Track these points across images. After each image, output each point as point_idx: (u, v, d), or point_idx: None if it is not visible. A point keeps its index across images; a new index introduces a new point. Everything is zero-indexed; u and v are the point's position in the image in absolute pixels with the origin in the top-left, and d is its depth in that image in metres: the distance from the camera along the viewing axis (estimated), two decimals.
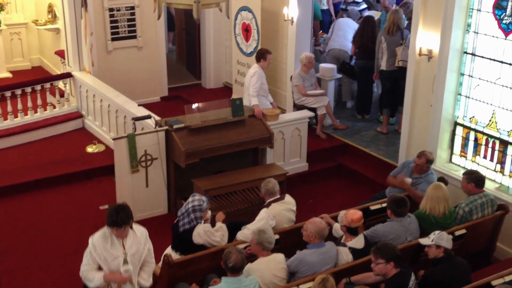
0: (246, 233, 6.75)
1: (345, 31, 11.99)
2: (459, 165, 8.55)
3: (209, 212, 6.89)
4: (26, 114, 11.07)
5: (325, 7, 14.83)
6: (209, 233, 6.62)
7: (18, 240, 8.33)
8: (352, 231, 6.42)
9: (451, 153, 8.66)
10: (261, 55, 9.87)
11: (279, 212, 6.99)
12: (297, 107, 10.64)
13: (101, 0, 11.68)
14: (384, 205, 7.21)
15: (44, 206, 9.19)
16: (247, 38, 11.48)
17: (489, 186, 7.78)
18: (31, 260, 7.93)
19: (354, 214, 6.40)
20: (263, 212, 6.92)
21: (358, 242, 6.40)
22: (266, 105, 9.89)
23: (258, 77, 9.71)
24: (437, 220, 6.92)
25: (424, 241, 6.29)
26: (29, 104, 11.04)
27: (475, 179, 7.26)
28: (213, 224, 6.88)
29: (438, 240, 6.15)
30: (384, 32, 10.45)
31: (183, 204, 6.88)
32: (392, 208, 6.74)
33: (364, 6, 14.25)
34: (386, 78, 10.56)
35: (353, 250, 6.35)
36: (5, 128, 10.80)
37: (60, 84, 11.84)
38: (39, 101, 11.19)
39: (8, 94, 10.79)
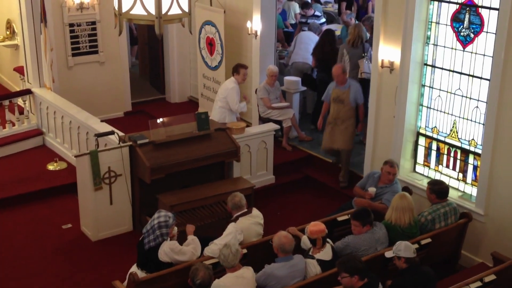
0: (213, 248, 6.69)
1: (307, 44, 12.13)
2: (422, 175, 8.66)
3: (175, 228, 6.80)
4: None
5: (293, 22, 14.95)
6: (174, 252, 6.53)
7: None
8: (312, 242, 6.43)
9: (415, 162, 8.78)
10: (235, 69, 10.08)
11: (247, 226, 6.95)
12: (263, 120, 10.67)
13: (61, 15, 11.61)
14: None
15: (4, 225, 8.97)
16: (211, 52, 11.46)
17: (452, 194, 7.87)
18: None
19: (314, 226, 6.42)
20: (231, 227, 6.87)
21: (326, 254, 6.41)
22: (234, 120, 10.04)
23: (236, 93, 9.98)
24: (403, 230, 6.98)
25: (387, 254, 6.37)
26: None
27: (438, 191, 7.39)
28: (182, 239, 6.80)
29: (397, 251, 6.22)
30: (346, 45, 10.58)
31: (149, 220, 6.78)
32: (360, 221, 6.76)
33: (324, 20, 14.43)
34: None
35: (321, 262, 6.34)
36: None
37: (20, 101, 11.64)
38: None
39: None
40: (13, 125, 11.29)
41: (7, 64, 13.58)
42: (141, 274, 6.48)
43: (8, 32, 13.26)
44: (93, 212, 8.43)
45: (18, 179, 10.09)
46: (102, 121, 10.01)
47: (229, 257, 6.00)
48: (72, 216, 8.91)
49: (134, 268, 6.67)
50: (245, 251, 6.41)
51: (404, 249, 6.18)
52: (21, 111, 11.59)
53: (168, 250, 6.50)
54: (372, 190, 7.91)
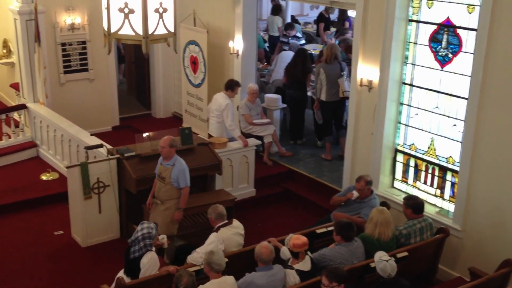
0: (195, 256, 6.58)
1: (287, 63, 12.05)
2: (400, 190, 8.48)
3: (161, 237, 6.68)
4: None
5: (275, 34, 14.93)
6: (153, 267, 6.37)
7: None
8: (294, 255, 6.30)
9: (393, 178, 8.60)
10: (229, 86, 9.99)
11: (228, 236, 6.81)
12: (245, 135, 10.55)
13: (54, 35, 11.51)
14: (330, 228, 7.08)
15: None
16: (195, 70, 11.37)
17: (429, 210, 7.74)
18: None
19: (297, 239, 6.26)
20: (213, 236, 6.73)
21: (305, 264, 6.25)
22: (228, 134, 9.94)
23: (230, 109, 9.86)
24: (381, 243, 6.78)
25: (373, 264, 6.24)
26: None
27: (413, 205, 7.19)
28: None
29: (377, 264, 6.12)
30: (323, 63, 10.44)
31: (135, 228, 6.66)
32: (340, 233, 6.60)
33: (304, 41, 14.41)
34: (326, 108, 10.51)
35: (300, 272, 6.20)
36: None
37: (15, 115, 11.52)
38: None
39: None
40: (9, 137, 11.16)
41: (3, 81, 13.35)
42: (127, 279, 6.35)
43: (4, 51, 13.07)
44: (83, 220, 8.33)
45: (13, 188, 9.94)
46: (91, 134, 9.86)
47: (219, 260, 5.92)
48: (63, 224, 8.79)
49: (121, 274, 6.53)
50: (226, 260, 6.30)
51: (382, 269, 6.07)
52: (17, 125, 11.44)
53: (151, 264, 6.37)
54: (355, 194, 7.66)
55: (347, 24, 15.22)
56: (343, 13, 15.59)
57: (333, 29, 15.44)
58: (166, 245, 6.81)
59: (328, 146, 10.70)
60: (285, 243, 6.40)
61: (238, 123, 10.68)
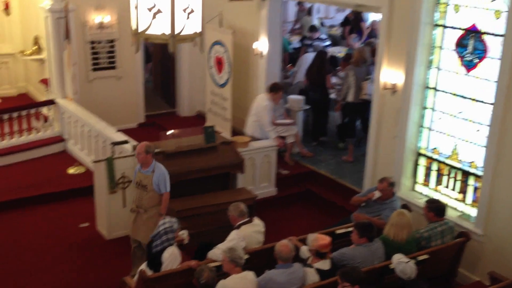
0: (216, 252, 6.58)
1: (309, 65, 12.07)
2: (421, 193, 8.41)
3: (182, 232, 6.70)
4: (12, 137, 10.86)
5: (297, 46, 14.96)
6: (173, 262, 6.40)
7: (1, 255, 8.09)
8: (320, 255, 6.28)
9: (415, 181, 8.52)
10: (273, 88, 10.00)
11: (249, 234, 6.80)
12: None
13: (83, 33, 11.62)
14: (350, 229, 7.05)
15: (26, 223, 8.97)
16: (219, 71, 11.42)
17: (451, 214, 7.66)
18: (14, 274, 7.71)
19: (323, 240, 6.24)
20: (234, 234, 6.74)
21: (324, 263, 6.22)
22: (261, 133, 9.98)
23: (268, 110, 9.89)
24: (399, 245, 6.73)
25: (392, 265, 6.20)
26: (15, 128, 10.88)
27: (435, 209, 7.12)
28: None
29: (396, 266, 6.07)
30: (353, 66, 10.41)
31: (158, 223, 6.71)
32: (360, 233, 6.56)
33: (329, 42, 14.38)
34: (353, 109, 10.49)
35: (319, 271, 6.18)
36: None
37: (44, 110, 11.66)
38: (24, 126, 11.02)
39: None
40: (38, 131, 11.29)
41: (33, 76, 13.55)
42: (149, 272, 6.40)
43: (35, 47, 13.26)
44: (108, 213, 8.41)
45: (40, 181, 10.08)
46: (118, 131, 9.97)
47: (240, 254, 5.95)
48: (88, 216, 8.88)
49: (143, 266, 6.58)
50: (247, 256, 6.32)
51: (401, 271, 6.06)
52: (46, 119, 11.60)
53: (171, 259, 6.40)
54: (376, 194, 7.62)
55: (363, 26, 15.16)
56: (357, 15, 15.52)
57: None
58: (186, 240, 6.83)
59: (351, 147, 10.66)
60: (308, 243, 6.35)
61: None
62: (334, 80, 11.70)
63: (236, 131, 11.31)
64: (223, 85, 11.34)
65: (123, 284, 6.61)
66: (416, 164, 8.47)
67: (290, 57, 14.05)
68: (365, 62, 10.39)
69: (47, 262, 7.99)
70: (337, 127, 11.39)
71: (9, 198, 9.40)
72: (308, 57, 12.39)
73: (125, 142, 8.99)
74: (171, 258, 6.37)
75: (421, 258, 6.70)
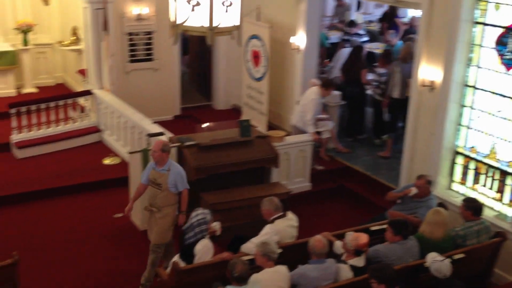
0: (249, 246, 6.62)
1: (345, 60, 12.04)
2: (458, 192, 8.33)
3: (215, 224, 6.75)
4: (49, 127, 11.08)
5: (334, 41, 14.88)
6: (206, 254, 6.46)
7: (37, 243, 8.27)
8: (358, 253, 6.28)
9: (451, 180, 8.44)
10: (326, 83, 10.05)
11: (282, 228, 6.82)
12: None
13: (121, 25, 11.76)
14: (384, 226, 7.02)
15: (62, 213, 9.15)
16: (256, 64, 11.45)
17: (488, 213, 7.56)
18: (49, 261, 7.88)
19: (363, 239, 6.24)
20: (268, 228, 6.77)
21: (359, 260, 6.23)
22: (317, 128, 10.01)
23: (315, 104, 9.88)
24: (434, 244, 6.67)
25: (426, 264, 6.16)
26: (52, 117, 11.09)
27: (473, 208, 7.02)
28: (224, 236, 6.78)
29: (431, 265, 6.04)
30: (399, 62, 10.36)
31: (190, 215, 6.79)
32: (395, 231, 6.53)
33: (366, 38, 14.27)
34: (397, 105, 10.42)
35: (353, 268, 6.18)
36: (30, 139, 10.80)
37: (81, 100, 11.85)
38: (61, 115, 11.22)
39: (33, 107, 10.80)
40: (75, 121, 11.48)
41: (71, 67, 13.78)
42: (182, 264, 6.46)
43: (73, 38, 13.48)
44: (142, 204, 8.38)
45: (76, 170, 10.26)
46: (153, 122, 10.08)
47: (273, 248, 5.97)
48: (122, 207, 8.89)
49: (176, 258, 6.66)
50: (280, 250, 6.35)
51: (436, 269, 6.02)
52: (82, 110, 11.79)
53: (204, 251, 6.47)
54: (413, 190, 7.57)
55: (398, 22, 15.01)
56: (393, 10, 15.36)
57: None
58: (218, 232, 6.87)
59: (390, 142, 10.59)
60: (347, 244, 6.30)
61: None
62: (371, 76, 11.63)
63: (272, 126, 11.34)
64: (259, 79, 11.37)
65: (156, 275, 6.70)
66: (453, 163, 8.39)
67: (328, 52, 13.99)
68: (412, 59, 10.30)
69: (82, 251, 8.15)
70: (373, 124, 11.32)
71: (45, 187, 9.61)
72: (345, 52, 12.34)
73: (161, 134, 9.08)
74: (204, 250, 6.43)
75: (456, 257, 6.63)
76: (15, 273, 6.16)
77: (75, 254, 8.05)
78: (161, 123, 10.26)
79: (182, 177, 7.21)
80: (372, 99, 11.33)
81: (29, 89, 13.49)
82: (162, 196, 7.16)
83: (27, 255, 7.74)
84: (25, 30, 13.17)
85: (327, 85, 10.02)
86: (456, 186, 8.43)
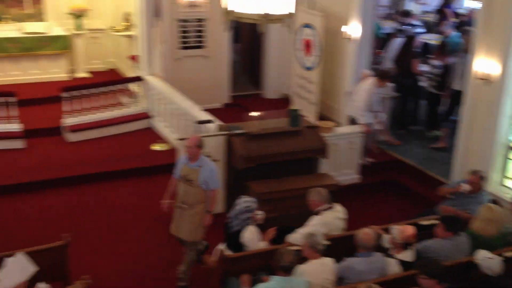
0: (296, 237, 6.61)
1: (397, 51, 11.85)
2: (510, 188, 8.18)
3: (259, 213, 6.74)
4: (100, 112, 11.29)
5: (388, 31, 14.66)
6: (254, 241, 6.51)
7: (86, 226, 8.46)
8: (406, 246, 6.22)
9: (504, 176, 8.27)
10: (382, 74, 9.89)
11: (329, 220, 6.79)
12: (353, 120, 10.46)
13: (173, 11, 11.85)
14: (434, 221, 6.93)
15: (111, 196, 9.34)
16: (307, 54, 11.39)
17: None
18: (96, 244, 8.06)
19: (408, 231, 6.18)
20: (315, 219, 6.73)
21: (407, 255, 6.17)
22: (363, 119, 9.84)
23: (368, 95, 9.73)
24: (485, 240, 6.55)
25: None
26: (104, 102, 11.30)
27: None
28: (266, 226, 6.79)
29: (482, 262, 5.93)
30: (463, 53, 10.14)
31: (235, 203, 6.81)
32: (446, 226, 6.44)
33: (422, 29, 14.01)
34: (458, 98, 10.21)
35: (402, 262, 6.13)
36: (81, 123, 11.05)
37: (132, 86, 12.02)
38: (112, 101, 11.42)
39: (85, 92, 11.02)
40: (125, 107, 11.66)
41: (122, 52, 13.98)
42: (228, 252, 6.52)
43: (126, 24, 13.68)
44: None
45: (126, 155, 10.45)
46: (203, 110, 10.16)
47: (319, 241, 5.95)
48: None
49: (221, 246, 6.73)
50: (328, 242, 6.33)
51: (487, 267, 5.89)
52: (133, 95, 11.96)
53: (250, 238, 6.49)
54: (466, 187, 7.45)
55: (448, 12, 14.65)
56: (446, 1, 14.99)
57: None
58: (261, 221, 6.83)
59: (446, 133, 10.42)
60: (394, 237, 6.26)
61: (346, 108, 10.62)
62: (425, 68, 11.43)
63: (322, 116, 11.28)
64: (310, 68, 11.32)
65: (202, 262, 6.76)
66: (506, 158, 8.23)
67: (381, 43, 13.80)
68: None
69: (128, 235, 8.29)
70: (427, 116, 11.14)
71: (95, 171, 9.81)
72: (397, 43, 12.13)
73: (210, 121, 9.16)
74: (250, 237, 6.46)
75: (508, 254, 6.49)
76: (66, 254, 6.32)
77: (121, 238, 8.21)
78: (211, 111, 10.32)
79: (214, 175, 7.02)
80: (426, 91, 11.14)
81: (81, 74, 13.78)
82: (193, 192, 6.96)
83: (76, 237, 7.93)
84: (78, 15, 13.44)
85: (382, 76, 9.88)
86: (509, 182, 8.28)
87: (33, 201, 9.05)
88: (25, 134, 10.64)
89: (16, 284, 5.43)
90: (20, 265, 5.56)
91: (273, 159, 8.55)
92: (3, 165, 9.87)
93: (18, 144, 10.54)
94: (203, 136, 8.46)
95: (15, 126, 10.62)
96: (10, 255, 5.66)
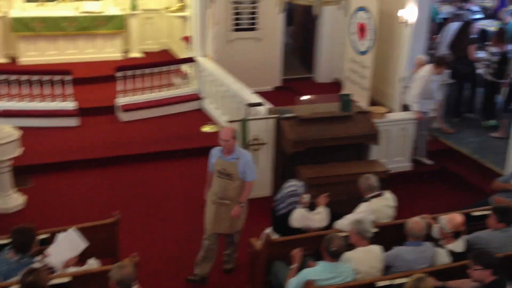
0: (344, 222, 6.55)
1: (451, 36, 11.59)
2: None
3: (305, 197, 6.72)
4: (152, 92, 11.42)
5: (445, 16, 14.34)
6: (306, 218, 6.49)
7: (135, 204, 8.62)
8: (457, 235, 6.11)
9: None
10: (437, 61, 9.57)
11: (378, 207, 6.71)
12: (406, 107, 10.29)
13: None
14: (487, 212, 6.77)
15: (160, 175, 9.48)
16: (361, 37, 11.23)
17: None
18: (144, 223, 8.20)
19: (456, 219, 6.07)
20: (363, 206, 6.67)
21: (457, 245, 6.06)
22: (426, 108, 9.59)
23: (423, 82, 9.45)
24: None
25: None
26: (156, 83, 11.42)
27: None
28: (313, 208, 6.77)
29: None
30: None
31: (283, 186, 6.80)
32: (498, 217, 6.28)
33: (479, 15, 13.64)
34: None
35: (452, 253, 6.02)
36: (133, 103, 11.23)
37: (184, 67, 12.11)
38: (164, 81, 11.54)
39: (138, 72, 11.18)
40: (177, 88, 11.77)
41: (175, 33, 14.09)
42: (274, 236, 6.54)
43: (180, 4, 13.76)
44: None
45: (176, 136, 10.56)
46: (253, 92, 10.16)
47: (367, 228, 5.91)
48: None
49: (268, 230, 6.74)
50: (376, 230, 6.27)
51: None
52: (185, 77, 12.06)
53: (299, 217, 6.49)
54: None
55: None
56: None
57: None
58: (307, 205, 6.82)
59: (505, 123, 10.18)
60: (443, 227, 6.15)
61: (399, 94, 10.45)
62: (482, 54, 11.12)
63: (374, 101, 11.14)
64: (364, 53, 11.16)
65: (250, 245, 6.78)
66: None
67: (438, 28, 13.50)
68: None
69: (176, 215, 8.38)
70: (483, 105, 10.87)
71: (145, 151, 9.95)
72: (452, 27, 11.82)
73: (260, 104, 9.14)
74: (299, 219, 6.45)
75: None
76: (116, 232, 6.45)
77: (168, 219, 8.28)
78: (261, 94, 10.30)
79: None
80: (484, 79, 10.86)
81: (135, 54, 13.97)
82: (234, 187, 6.67)
83: (124, 215, 8.08)
84: None
85: (439, 62, 9.62)
86: None
87: (85, 178, 9.26)
88: (79, 112, 10.88)
89: (67, 258, 5.59)
90: (72, 241, 5.71)
91: (322, 144, 8.50)
92: (57, 142, 10.13)
93: (72, 122, 10.79)
94: (252, 119, 8.50)
95: (70, 104, 10.86)
96: (62, 231, 5.83)
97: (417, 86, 9.52)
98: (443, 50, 11.75)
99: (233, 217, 6.75)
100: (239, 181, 6.65)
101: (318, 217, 6.56)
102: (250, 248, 6.64)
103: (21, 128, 8.45)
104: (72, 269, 5.60)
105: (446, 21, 13.43)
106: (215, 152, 6.77)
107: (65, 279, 5.33)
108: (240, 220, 6.91)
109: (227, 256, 7.27)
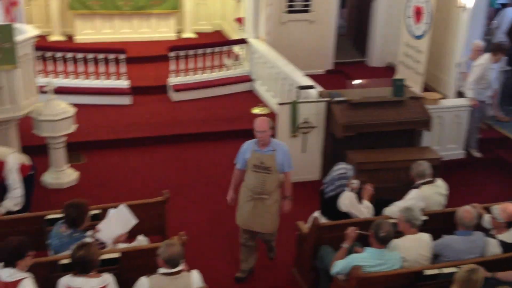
0: (393, 209, 6.50)
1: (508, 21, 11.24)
2: None
3: (354, 181, 6.64)
4: (204, 73, 11.49)
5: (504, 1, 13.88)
6: (354, 206, 6.44)
7: (184, 183, 8.71)
8: (508, 225, 5.96)
9: None
10: (492, 49, 9.33)
11: (429, 195, 6.62)
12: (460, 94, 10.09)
13: None
14: None
15: (209, 156, 9.58)
16: (417, 21, 10.99)
17: None
18: (192, 202, 8.30)
19: (510, 208, 5.91)
20: (414, 193, 6.59)
21: (509, 236, 5.93)
22: (482, 96, 9.37)
23: (480, 69, 9.23)
24: None
25: None
26: (208, 63, 11.46)
27: None
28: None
29: None
30: None
31: (332, 169, 6.76)
32: None
33: None
34: None
35: (503, 244, 5.90)
36: (186, 83, 11.31)
37: (236, 48, 12.12)
38: (216, 62, 11.57)
39: (191, 52, 11.24)
40: (229, 69, 11.80)
41: (229, 14, 14.10)
42: (322, 220, 6.52)
43: None
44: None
45: (227, 117, 10.63)
46: (305, 75, 10.10)
47: (416, 215, 5.82)
48: None
49: (317, 213, 6.73)
50: (425, 218, 6.18)
51: None
52: (237, 58, 12.07)
53: (347, 202, 6.46)
54: None
55: None
56: None
57: None
58: (356, 190, 6.74)
59: None
60: (496, 217, 5.99)
61: (454, 80, 10.22)
62: None
63: (428, 87, 10.93)
64: (419, 37, 10.94)
65: (297, 228, 6.78)
66: None
67: (495, 13, 13.11)
68: None
69: (224, 197, 8.39)
70: None
71: (195, 131, 10.06)
72: (509, 13, 11.45)
73: (311, 87, 9.10)
74: (349, 202, 6.41)
75: None
76: (165, 209, 6.54)
77: (215, 200, 8.27)
78: (313, 77, 10.25)
79: (289, 157, 6.51)
80: None
81: (188, 34, 14.05)
82: (271, 180, 6.41)
83: (173, 193, 8.19)
84: None
85: (497, 50, 9.34)
86: None
87: (136, 156, 9.43)
88: (132, 91, 11.04)
89: (117, 234, 5.71)
90: (122, 217, 5.83)
91: (373, 129, 8.42)
92: (110, 120, 10.33)
93: (125, 100, 10.96)
94: (302, 102, 8.46)
95: (123, 83, 11.03)
96: (113, 207, 5.95)
97: (474, 73, 9.28)
98: (500, 36, 11.43)
99: (284, 212, 6.62)
100: (276, 174, 6.43)
101: (366, 211, 6.50)
102: (298, 231, 6.65)
103: (75, 105, 8.61)
104: (122, 245, 5.72)
105: (504, 6, 13.01)
106: (248, 146, 6.51)
107: (114, 255, 5.45)
108: (277, 219, 6.67)
109: (272, 254, 7.22)
